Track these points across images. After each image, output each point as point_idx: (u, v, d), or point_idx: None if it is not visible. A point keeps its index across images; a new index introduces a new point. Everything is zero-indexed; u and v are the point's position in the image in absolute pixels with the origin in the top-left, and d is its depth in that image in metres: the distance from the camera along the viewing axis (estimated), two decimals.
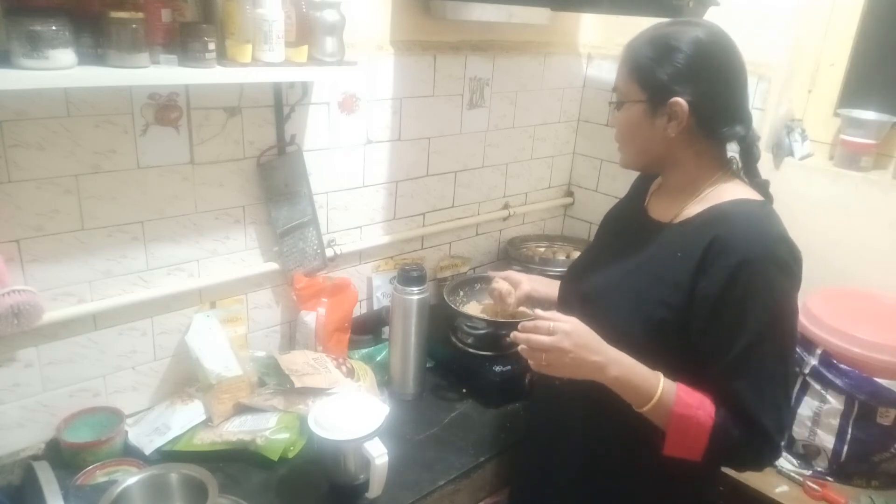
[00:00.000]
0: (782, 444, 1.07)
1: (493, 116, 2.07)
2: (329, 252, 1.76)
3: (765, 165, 1.88)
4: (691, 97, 1.08)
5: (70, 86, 1.21)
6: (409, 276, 1.61)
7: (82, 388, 1.45)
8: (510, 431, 1.59)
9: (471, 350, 1.77)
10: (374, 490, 1.30)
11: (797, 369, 1.56)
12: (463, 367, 1.76)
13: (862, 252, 1.75)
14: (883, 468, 1.51)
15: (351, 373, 1.59)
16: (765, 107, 1.85)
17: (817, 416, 1.53)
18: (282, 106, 1.56)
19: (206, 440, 1.42)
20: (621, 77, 1.15)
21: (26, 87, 1.07)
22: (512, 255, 2.19)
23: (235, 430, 1.44)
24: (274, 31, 1.29)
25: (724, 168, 1.16)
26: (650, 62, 1.10)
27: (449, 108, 1.94)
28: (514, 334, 1.12)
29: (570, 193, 2.46)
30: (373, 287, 1.94)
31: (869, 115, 1.76)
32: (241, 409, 1.50)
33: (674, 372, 1.09)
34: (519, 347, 1.11)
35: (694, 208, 1.15)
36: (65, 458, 1.36)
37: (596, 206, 2.35)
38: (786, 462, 1.58)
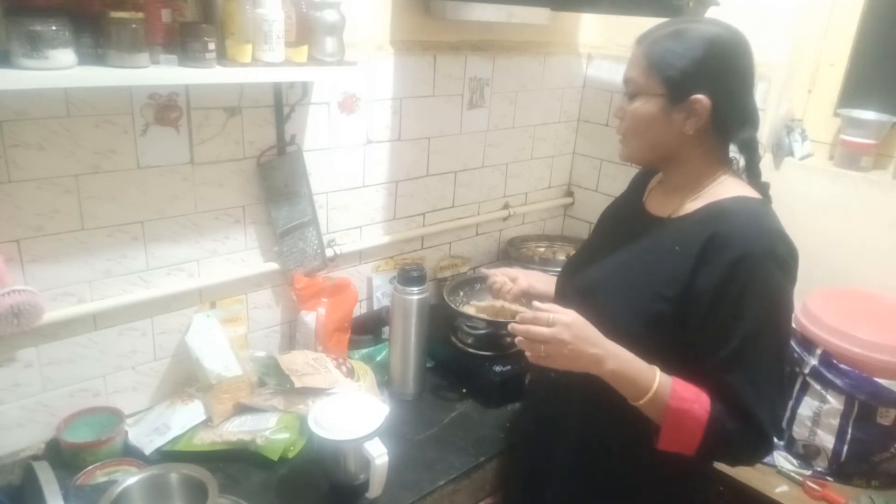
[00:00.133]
0: (775, 438, 1.07)
1: (493, 116, 2.07)
2: (329, 252, 1.76)
3: (765, 165, 1.87)
4: (712, 95, 1.08)
5: (70, 86, 1.21)
6: (409, 276, 1.61)
7: (82, 388, 1.45)
8: (510, 431, 1.59)
9: (471, 350, 1.77)
10: (374, 490, 1.30)
11: (797, 369, 1.56)
12: (463, 367, 1.76)
13: (862, 252, 1.75)
14: (883, 468, 1.51)
15: (351, 373, 1.59)
16: (765, 107, 1.85)
17: (817, 416, 1.53)
18: (282, 106, 1.56)
19: (206, 440, 1.42)
20: (639, 69, 1.12)
21: (26, 87, 1.07)
22: (512, 255, 2.19)
23: (235, 430, 1.44)
24: (274, 31, 1.29)
25: (725, 167, 1.17)
26: (674, 57, 1.09)
27: (449, 108, 1.94)
28: (513, 326, 1.12)
29: (570, 193, 2.46)
30: (373, 287, 1.94)
31: (869, 115, 1.76)
32: (241, 409, 1.50)
33: (670, 365, 1.10)
34: (517, 339, 1.11)
35: (693, 204, 1.15)
36: (65, 458, 1.36)
37: (596, 206, 2.35)
38: (786, 462, 1.58)
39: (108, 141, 1.34)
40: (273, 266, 1.66)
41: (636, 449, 1.14)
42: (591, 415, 1.21)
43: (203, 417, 1.47)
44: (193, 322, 1.56)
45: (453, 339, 1.81)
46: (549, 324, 1.08)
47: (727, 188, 1.14)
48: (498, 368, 1.69)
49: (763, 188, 1.18)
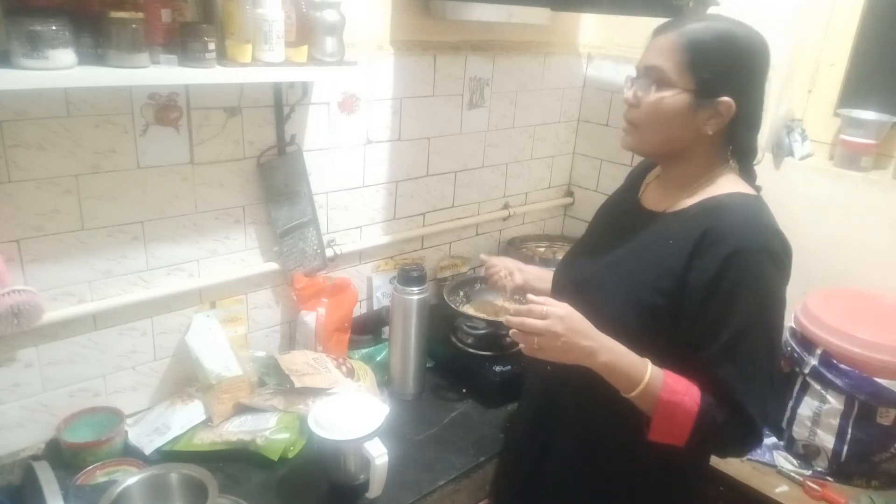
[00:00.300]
0: (763, 431, 1.09)
1: (493, 116, 2.07)
2: (329, 252, 1.76)
3: (765, 165, 1.89)
4: (738, 99, 1.09)
5: (70, 86, 1.21)
6: (409, 276, 1.61)
7: (82, 388, 1.45)
8: (509, 430, 1.58)
9: (471, 350, 1.77)
10: (374, 490, 1.30)
11: (797, 369, 1.56)
12: (463, 367, 1.76)
13: (862, 252, 1.75)
14: (883, 468, 1.51)
15: (351, 373, 1.59)
16: (765, 107, 1.84)
17: (817, 416, 1.53)
18: (282, 106, 1.56)
19: (206, 440, 1.42)
20: (671, 61, 1.09)
21: (26, 87, 1.07)
22: (512, 255, 2.18)
23: (235, 430, 1.44)
24: (274, 31, 1.29)
25: (724, 164, 1.18)
26: (713, 57, 1.08)
27: (449, 108, 1.94)
28: (507, 318, 1.12)
29: (570, 193, 2.46)
30: (373, 287, 1.94)
31: (869, 115, 1.76)
32: (241, 409, 1.50)
33: (663, 358, 1.10)
34: (511, 332, 1.12)
35: (689, 199, 1.16)
36: (65, 458, 1.36)
37: (596, 205, 2.30)
38: (786, 462, 1.58)
39: (108, 141, 1.34)
40: (273, 266, 1.66)
41: (635, 448, 1.15)
42: (588, 411, 1.22)
43: (203, 417, 1.47)
44: (193, 322, 1.56)
45: (453, 339, 1.81)
46: (542, 316, 1.09)
47: (724, 184, 1.15)
48: (498, 368, 1.69)
49: (755, 190, 1.19)
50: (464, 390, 1.73)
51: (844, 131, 1.78)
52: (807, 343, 1.55)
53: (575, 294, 1.24)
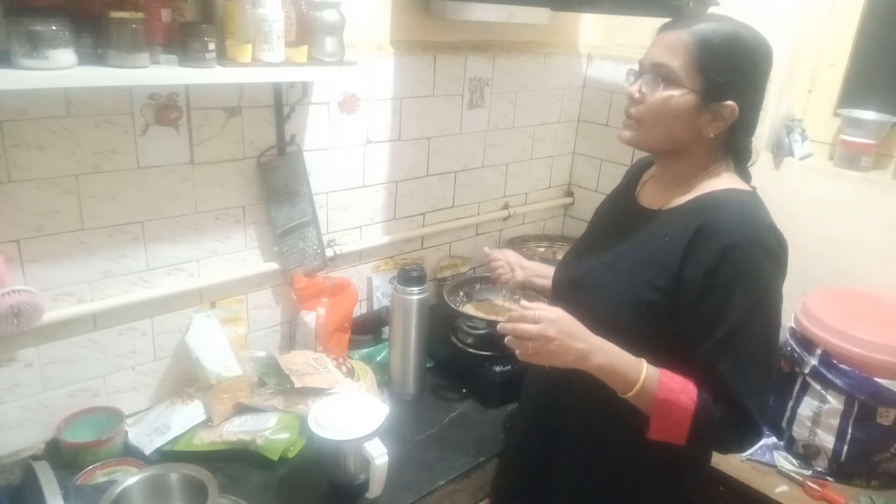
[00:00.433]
0: (762, 426, 1.08)
1: (493, 116, 2.07)
2: (329, 252, 1.76)
3: (765, 165, 1.89)
4: (741, 103, 1.09)
5: (70, 86, 1.21)
6: (409, 276, 1.61)
7: (82, 388, 1.45)
8: (509, 430, 1.58)
9: (471, 350, 1.77)
10: (374, 490, 1.30)
11: (797, 369, 1.56)
12: (463, 367, 1.76)
13: (862, 252, 1.75)
14: (883, 468, 1.51)
15: (351, 373, 1.59)
16: (765, 107, 1.83)
17: (817, 416, 1.53)
18: (282, 106, 1.56)
19: (206, 440, 1.42)
20: (680, 60, 1.08)
21: (26, 87, 1.07)
22: None
23: (235, 430, 1.44)
24: (274, 31, 1.29)
25: (720, 161, 1.18)
26: (724, 61, 1.08)
27: (449, 108, 1.94)
28: (501, 325, 1.13)
29: (570, 193, 2.46)
30: (373, 287, 1.94)
31: (869, 115, 1.76)
32: (241, 409, 1.50)
33: (660, 355, 1.10)
34: (506, 339, 1.12)
35: (684, 196, 1.16)
36: (65, 458, 1.36)
37: (596, 205, 2.31)
38: (786, 462, 1.58)
39: (108, 141, 1.34)
40: (273, 266, 1.66)
41: (635, 448, 1.15)
42: (588, 411, 1.22)
43: (203, 417, 1.47)
44: (193, 322, 1.56)
45: (453, 339, 1.81)
46: (535, 321, 1.09)
47: (719, 181, 1.15)
48: (498, 368, 1.69)
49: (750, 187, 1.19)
50: (464, 390, 1.73)
51: (844, 131, 1.78)
52: (807, 343, 1.55)
53: (573, 293, 1.25)
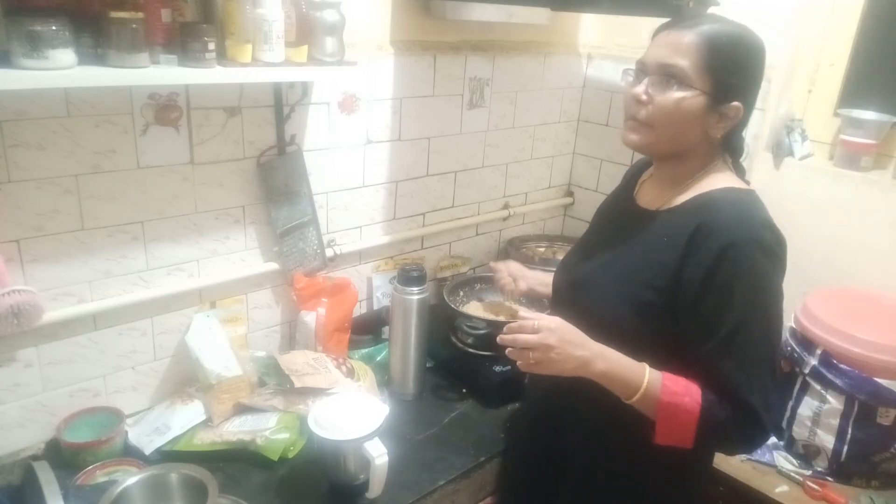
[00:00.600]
0: (769, 424, 1.08)
1: (493, 116, 2.07)
2: (329, 252, 1.76)
3: (765, 165, 1.89)
4: (745, 103, 1.10)
5: (70, 86, 1.21)
6: (409, 276, 1.61)
7: (82, 388, 1.45)
8: (510, 431, 1.58)
9: (471, 350, 1.76)
10: (374, 490, 1.30)
11: (797, 369, 1.56)
12: (463, 367, 1.76)
13: (862, 252, 1.75)
14: (883, 468, 1.51)
15: (351, 373, 1.59)
16: (765, 107, 1.85)
17: (817, 416, 1.53)
18: (282, 106, 1.56)
19: (206, 440, 1.42)
20: (689, 61, 1.07)
21: (26, 87, 1.07)
22: (512, 255, 2.18)
23: (235, 430, 1.44)
24: (274, 31, 1.29)
25: (716, 161, 1.18)
26: (733, 64, 1.08)
27: (449, 108, 1.94)
28: (501, 337, 1.13)
29: (570, 193, 2.46)
30: (373, 287, 1.94)
31: (869, 115, 1.76)
32: (241, 409, 1.50)
33: (661, 357, 1.10)
34: (506, 351, 1.12)
35: (682, 196, 1.16)
36: (65, 458, 1.36)
37: (596, 205, 2.31)
38: (786, 462, 1.58)
39: (108, 141, 1.34)
40: (273, 266, 1.66)
41: (635, 449, 1.15)
42: (590, 413, 1.21)
43: (203, 417, 1.47)
44: (193, 322, 1.56)
45: (453, 339, 1.81)
46: (534, 330, 1.09)
47: (716, 180, 1.15)
48: (498, 368, 1.69)
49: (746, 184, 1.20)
50: (464, 390, 1.73)
51: (844, 131, 1.78)
52: (807, 343, 1.55)
53: (573, 294, 1.25)
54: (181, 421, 1.45)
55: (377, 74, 1.73)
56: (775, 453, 1.60)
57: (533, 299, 1.69)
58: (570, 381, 1.13)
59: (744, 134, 1.21)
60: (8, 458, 1.37)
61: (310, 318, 1.70)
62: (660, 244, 1.13)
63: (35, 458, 1.35)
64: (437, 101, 1.90)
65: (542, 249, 2.27)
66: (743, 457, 1.58)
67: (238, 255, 1.61)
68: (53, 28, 1.05)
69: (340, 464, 1.31)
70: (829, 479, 1.53)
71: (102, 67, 1.14)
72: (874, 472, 1.51)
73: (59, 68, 1.08)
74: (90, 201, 1.35)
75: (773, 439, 1.63)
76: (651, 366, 1.09)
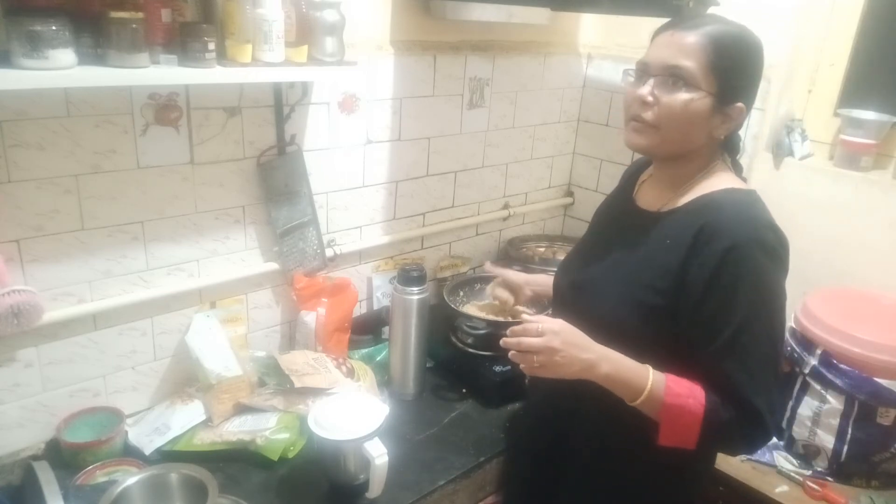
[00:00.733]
0: (773, 425, 1.08)
1: (493, 116, 2.07)
2: (329, 252, 1.76)
3: (765, 165, 1.89)
4: (746, 104, 1.11)
5: (70, 86, 1.21)
6: (409, 276, 1.61)
7: (82, 388, 1.45)
8: (510, 431, 1.58)
9: (471, 350, 1.76)
10: (374, 490, 1.30)
11: (797, 369, 1.56)
12: (463, 367, 1.76)
13: (862, 252, 1.75)
14: (883, 468, 1.51)
15: (351, 373, 1.59)
16: (765, 107, 1.85)
17: (817, 416, 1.53)
18: (282, 106, 1.56)
19: (206, 440, 1.42)
20: (696, 62, 1.06)
21: (26, 87, 1.07)
22: (512, 255, 2.19)
23: (235, 430, 1.44)
24: (274, 31, 1.29)
25: (716, 161, 1.18)
26: (739, 65, 1.08)
27: (449, 108, 1.94)
28: (504, 340, 1.13)
29: (570, 193, 2.46)
30: (373, 287, 1.94)
31: (869, 115, 1.76)
32: (241, 409, 1.50)
33: (664, 359, 1.10)
34: (510, 354, 1.12)
35: (683, 197, 1.16)
36: (65, 458, 1.36)
37: (596, 205, 2.31)
38: (786, 462, 1.58)
39: (108, 141, 1.34)
40: (273, 266, 1.66)
41: (636, 449, 1.15)
42: (592, 414, 1.21)
43: (203, 417, 1.47)
44: (193, 322, 1.56)
45: (453, 339, 1.81)
46: (538, 334, 1.09)
47: (717, 181, 1.15)
48: (498, 368, 1.69)
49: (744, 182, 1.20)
50: (464, 390, 1.73)
51: (844, 131, 1.78)
52: (807, 343, 1.55)
53: (574, 296, 1.24)
54: (181, 421, 1.45)
55: (377, 74, 1.73)
56: (775, 453, 1.60)
57: (533, 299, 1.69)
58: (572, 383, 1.13)
59: (741, 133, 1.22)
60: (8, 458, 1.37)
61: (310, 318, 1.70)
62: (662, 246, 1.13)
63: (35, 458, 1.35)
64: (437, 101, 1.90)
65: (542, 249, 2.27)
66: (743, 457, 1.58)
67: (238, 255, 1.61)
68: (53, 28, 1.05)
69: (340, 464, 1.31)
70: (829, 479, 1.53)
71: (102, 67, 1.14)
72: (874, 472, 1.51)
73: (59, 68, 1.08)
74: (90, 201, 1.35)
75: (773, 439, 1.63)
76: (652, 367, 1.09)
